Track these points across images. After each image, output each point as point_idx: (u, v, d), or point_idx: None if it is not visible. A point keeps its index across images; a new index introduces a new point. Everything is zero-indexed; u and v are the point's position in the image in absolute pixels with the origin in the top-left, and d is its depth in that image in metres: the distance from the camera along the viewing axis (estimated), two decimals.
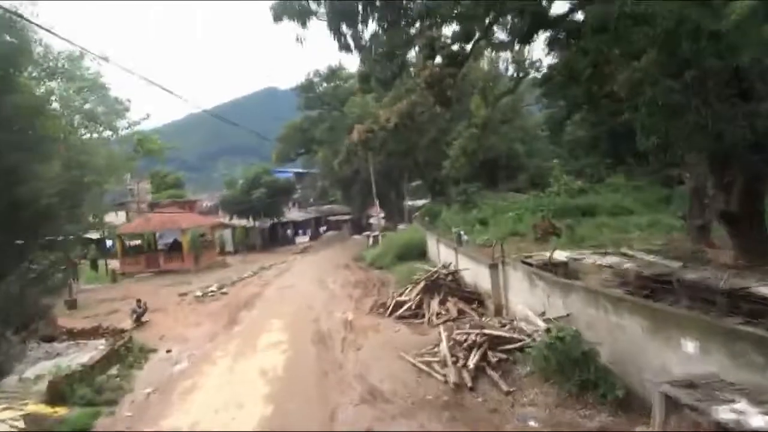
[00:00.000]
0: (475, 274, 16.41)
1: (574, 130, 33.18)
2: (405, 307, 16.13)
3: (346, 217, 63.13)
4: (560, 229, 19.34)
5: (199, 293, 23.01)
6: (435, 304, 15.74)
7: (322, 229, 60.33)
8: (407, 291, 17.30)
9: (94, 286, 30.91)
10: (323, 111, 46.14)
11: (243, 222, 50.80)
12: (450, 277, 16.91)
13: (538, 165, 44.11)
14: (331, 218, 63.69)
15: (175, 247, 36.44)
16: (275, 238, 52.14)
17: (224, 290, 24.07)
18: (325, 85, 45.62)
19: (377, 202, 34.10)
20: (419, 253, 27.57)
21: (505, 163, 43.65)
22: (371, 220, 71.64)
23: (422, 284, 16.46)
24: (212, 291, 23.50)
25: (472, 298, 16.07)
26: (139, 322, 17.60)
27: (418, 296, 16.24)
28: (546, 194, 30.53)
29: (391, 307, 16.70)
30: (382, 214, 38.36)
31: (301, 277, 27.32)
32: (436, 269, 17.61)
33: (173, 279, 30.71)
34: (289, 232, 56.37)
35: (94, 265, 35.17)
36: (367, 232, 36.29)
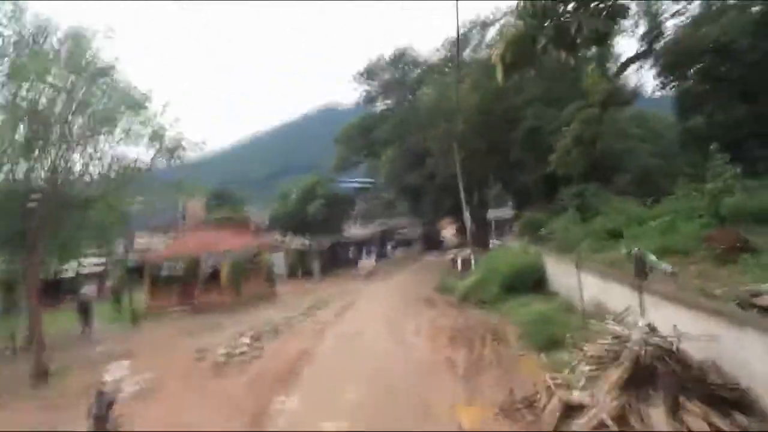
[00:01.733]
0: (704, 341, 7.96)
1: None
2: (586, 418, 7.86)
3: (416, 232, 55.28)
4: (753, 243, 11.28)
5: (222, 352, 15.61)
6: (659, 416, 7.41)
7: (389, 246, 52.65)
8: (577, 372, 9.04)
9: (110, 329, 24.57)
10: (389, 104, 38.70)
11: (298, 241, 43.97)
12: (669, 354, 8.45)
13: (639, 164, 34.75)
14: (398, 234, 55.95)
15: (215, 276, 29.72)
16: (335, 260, 44.92)
17: (260, 344, 16.61)
18: (391, 70, 38.16)
19: (467, 213, 25.77)
20: (534, 281, 19.30)
21: (603, 161, 34.30)
22: (445, 233, 63.32)
23: (621, 372, 8.08)
24: (243, 347, 16.08)
25: (723, 396, 7.66)
26: (100, 427, 10.23)
27: (614, 396, 7.91)
28: (705, 193, 21.41)
29: (547, 408, 8.54)
30: (469, 225, 30.00)
31: (368, 320, 19.54)
32: (638, 337, 9.16)
33: (204, 320, 23.80)
34: (350, 252, 49.04)
35: (117, 300, 28.98)
36: (452, 251, 28.02)
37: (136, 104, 19.64)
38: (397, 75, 38.77)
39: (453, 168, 34.86)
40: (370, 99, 39.61)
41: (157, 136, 20.64)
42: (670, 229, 17.12)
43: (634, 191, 29.89)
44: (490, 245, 27.58)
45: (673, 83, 29.60)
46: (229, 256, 28.34)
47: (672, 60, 26.60)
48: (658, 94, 32.96)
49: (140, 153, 21.41)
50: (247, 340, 16.63)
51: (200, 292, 28.63)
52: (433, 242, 55.78)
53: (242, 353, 15.49)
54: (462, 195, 25.27)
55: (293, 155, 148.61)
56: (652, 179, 34.42)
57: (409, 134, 37.61)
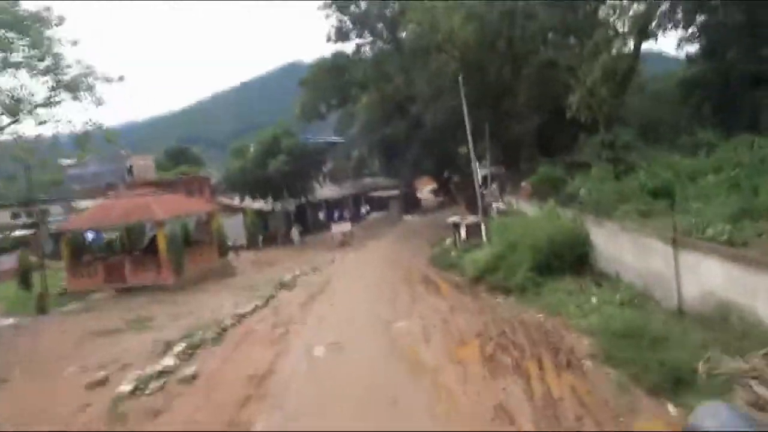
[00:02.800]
0: None
1: None
2: None
3: (392, 192, 49.75)
4: None
5: (128, 387, 9.87)
6: None
7: (364, 209, 47.04)
8: None
9: (9, 319, 18.62)
10: (364, 41, 32.41)
11: (259, 204, 37.92)
12: None
13: (643, 113, 30.44)
14: (373, 195, 50.36)
15: (154, 249, 23.66)
16: (304, 224, 39.12)
17: (191, 365, 11.00)
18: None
19: (476, 165, 20.02)
20: (575, 258, 14.24)
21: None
22: (423, 193, 57.98)
23: None
24: (164, 371, 10.46)
25: None
26: None
27: None
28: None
29: None
30: (479, 182, 24.31)
31: (350, 315, 14.12)
32: None
33: (131, 308, 18.05)
34: (321, 215, 43.27)
35: (24, 280, 22.77)
36: (454, 219, 22.55)
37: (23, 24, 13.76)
38: (373, 6, 32.31)
39: (441, 116, 29.33)
40: (341, 35, 33.12)
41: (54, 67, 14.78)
42: (736, 187, 12.39)
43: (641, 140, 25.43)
44: (493, 208, 22.29)
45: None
46: (163, 225, 22.27)
47: None
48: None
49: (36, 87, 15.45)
50: (171, 362, 10.97)
51: (133, 269, 22.65)
52: (411, 204, 50.46)
53: (160, 386, 9.86)
54: (470, 142, 19.64)
55: (256, 114, 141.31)
56: (658, 131, 29.86)
57: (390, 77, 31.61)
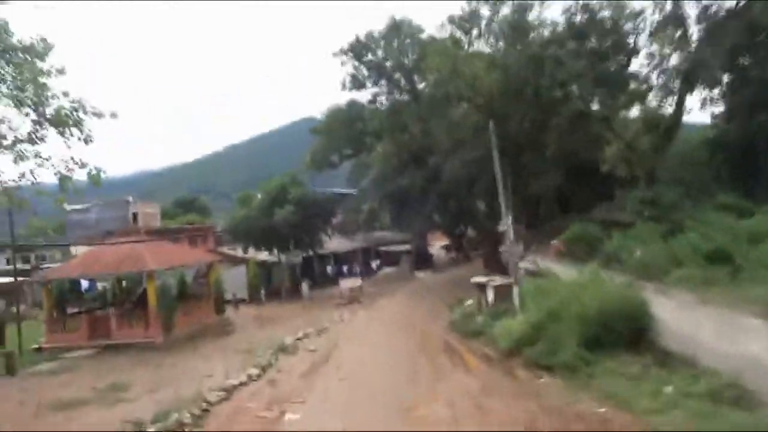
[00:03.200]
0: None
1: None
2: None
3: (403, 247, 47.64)
4: None
5: None
6: None
7: (374, 264, 44.82)
8: None
9: None
10: (381, 88, 31.22)
11: (264, 255, 35.88)
12: None
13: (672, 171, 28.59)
14: (384, 249, 48.24)
15: (143, 302, 21.47)
16: (310, 278, 36.89)
17: None
18: (384, 47, 30.53)
19: (509, 219, 17.78)
20: (632, 331, 11.93)
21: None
22: (434, 248, 55.82)
23: None
24: None
25: None
26: None
27: None
28: None
29: None
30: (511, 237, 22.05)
31: (359, 394, 11.71)
32: None
33: (111, 372, 15.72)
34: (329, 268, 41.06)
35: None
36: (479, 279, 20.09)
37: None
38: (391, 55, 31.34)
39: (460, 168, 27.62)
40: (356, 83, 32.06)
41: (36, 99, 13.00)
42: None
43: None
44: (520, 268, 20.05)
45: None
46: (154, 276, 20.21)
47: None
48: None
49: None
50: None
51: (119, 324, 20.42)
52: (423, 259, 48.19)
53: None
54: (501, 189, 17.65)
55: (269, 167, 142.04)
56: (689, 191, 27.73)
57: (406, 126, 30.20)
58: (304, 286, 30.57)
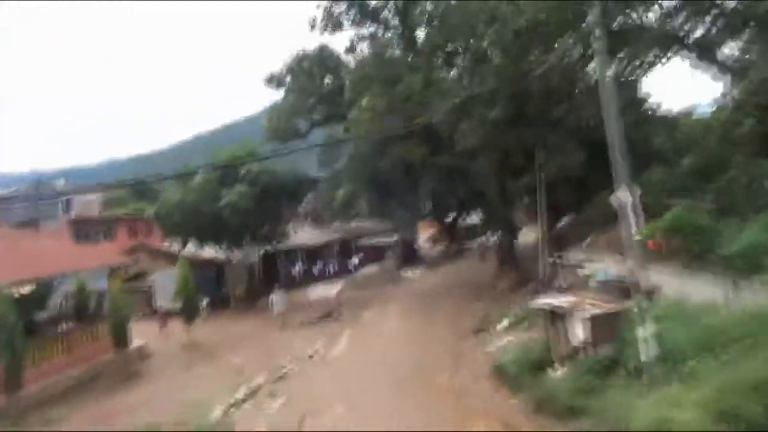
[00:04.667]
0: None
1: None
2: None
3: (387, 239, 39.64)
4: None
5: None
6: None
7: (354, 260, 36.58)
8: None
9: None
10: (365, 29, 22.98)
11: (210, 252, 27.31)
12: None
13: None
14: (364, 242, 40.10)
15: None
16: (274, 278, 28.61)
17: None
18: None
19: (630, 189, 9.96)
20: None
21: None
22: (421, 240, 47.79)
23: None
24: None
25: None
26: None
27: None
28: None
29: None
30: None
31: None
32: None
33: None
34: (296, 268, 32.69)
35: None
36: (549, 300, 11.79)
37: None
38: None
39: (477, 133, 19.84)
40: (332, 22, 23.70)
41: None
42: None
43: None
44: (615, 280, 12.27)
45: None
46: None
47: None
48: None
49: None
50: None
51: None
52: (410, 254, 40.36)
53: None
54: (614, 141, 9.63)
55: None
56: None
57: (399, 78, 22.10)
58: (276, 298, 21.42)
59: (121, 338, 15.17)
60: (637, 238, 14.20)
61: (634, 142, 22.27)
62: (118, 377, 14.12)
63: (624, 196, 8.48)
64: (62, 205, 48.69)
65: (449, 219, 43.44)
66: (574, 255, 18.19)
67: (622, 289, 12.76)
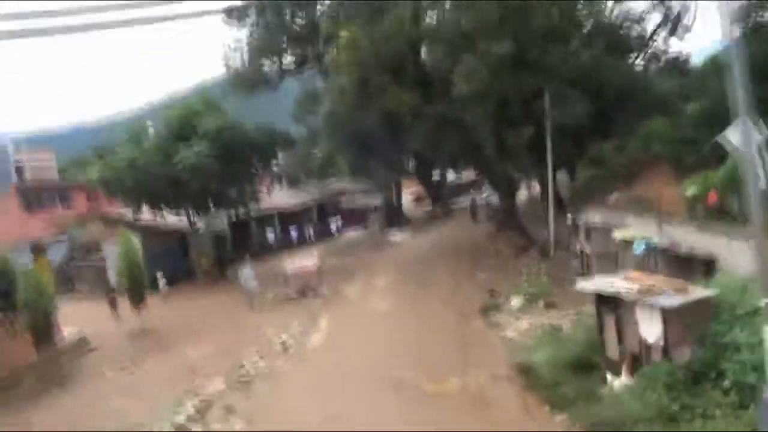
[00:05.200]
0: None
1: None
2: None
3: (369, 201, 36.64)
4: None
5: None
6: None
7: (334, 224, 33.57)
8: None
9: None
10: None
11: (170, 219, 24.04)
12: None
13: None
14: (345, 204, 37.06)
15: None
16: (246, 246, 25.61)
17: None
18: None
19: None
20: None
21: None
22: (404, 200, 44.91)
23: None
24: None
25: None
26: None
27: None
28: None
29: None
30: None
31: None
32: None
33: None
34: (270, 234, 29.64)
35: None
36: (608, 284, 8.85)
37: None
38: None
39: (478, 74, 16.74)
40: None
41: None
42: None
43: None
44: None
45: None
46: None
47: None
48: None
49: None
50: None
51: None
52: (395, 216, 37.42)
53: None
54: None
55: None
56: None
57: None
58: (245, 272, 18.08)
59: (43, 334, 12.12)
60: (689, 193, 11.55)
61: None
62: (41, 381, 11.17)
63: (746, 135, 5.55)
64: (15, 170, 44.39)
65: (435, 177, 40.71)
66: (594, 215, 15.47)
67: (678, 262, 10.11)
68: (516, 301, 13.05)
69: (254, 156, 23.88)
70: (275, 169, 30.85)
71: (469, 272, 18.27)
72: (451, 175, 42.04)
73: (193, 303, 18.84)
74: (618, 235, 11.98)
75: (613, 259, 13.33)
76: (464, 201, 43.29)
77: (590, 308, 8.88)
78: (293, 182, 35.22)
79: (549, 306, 12.32)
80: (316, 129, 29.21)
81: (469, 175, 43.34)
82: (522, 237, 21.60)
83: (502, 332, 11.52)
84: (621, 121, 20.71)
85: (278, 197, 30.48)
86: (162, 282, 20.01)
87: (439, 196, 41.52)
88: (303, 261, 19.41)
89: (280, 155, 29.81)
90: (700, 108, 18.18)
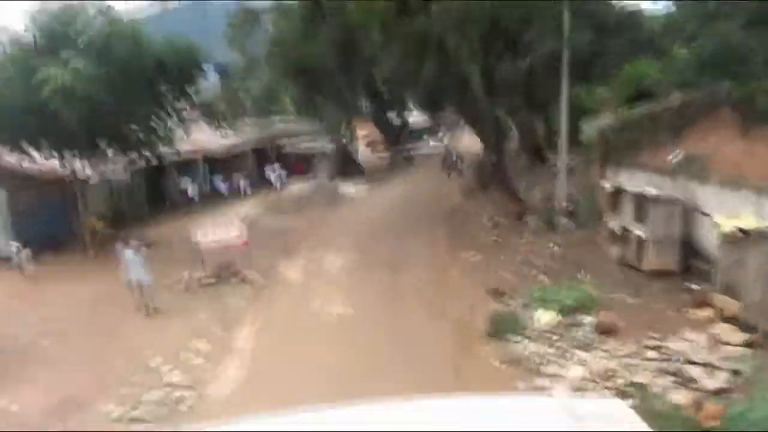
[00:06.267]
0: None
1: None
2: None
3: (318, 145, 31.11)
4: None
5: None
6: None
7: (274, 171, 27.65)
8: None
9: None
10: None
11: (52, 165, 17.84)
12: None
13: None
14: (289, 148, 31.32)
15: None
16: (160, 201, 19.83)
17: None
18: None
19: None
20: None
21: None
22: (361, 146, 39.26)
23: None
24: None
25: None
26: None
27: None
28: None
29: None
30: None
31: None
32: None
33: None
34: (189, 187, 23.69)
35: None
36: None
37: None
38: None
39: None
40: None
41: None
42: None
43: None
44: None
45: None
46: None
47: None
48: None
49: None
50: None
51: None
52: (349, 163, 32.10)
53: None
54: None
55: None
56: None
57: None
58: (128, 259, 11.76)
59: None
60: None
61: None
62: None
63: None
64: None
65: (395, 119, 35.71)
66: (633, 179, 10.96)
67: None
68: (545, 317, 8.38)
69: (163, 80, 17.71)
70: (199, 102, 24.53)
71: (453, 249, 13.51)
72: (419, 118, 37.10)
73: (60, 291, 12.98)
74: (725, 223, 7.36)
75: (677, 245, 8.96)
76: (423, 148, 38.58)
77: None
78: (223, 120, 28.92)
79: (605, 330, 7.72)
80: (254, 56, 23.48)
81: (418, 120, 38.43)
82: (513, 200, 16.96)
83: (533, 382, 6.87)
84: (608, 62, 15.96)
85: (204, 139, 24.34)
86: (23, 255, 14.18)
87: (399, 141, 36.46)
88: (223, 230, 13.85)
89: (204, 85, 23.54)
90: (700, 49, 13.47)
